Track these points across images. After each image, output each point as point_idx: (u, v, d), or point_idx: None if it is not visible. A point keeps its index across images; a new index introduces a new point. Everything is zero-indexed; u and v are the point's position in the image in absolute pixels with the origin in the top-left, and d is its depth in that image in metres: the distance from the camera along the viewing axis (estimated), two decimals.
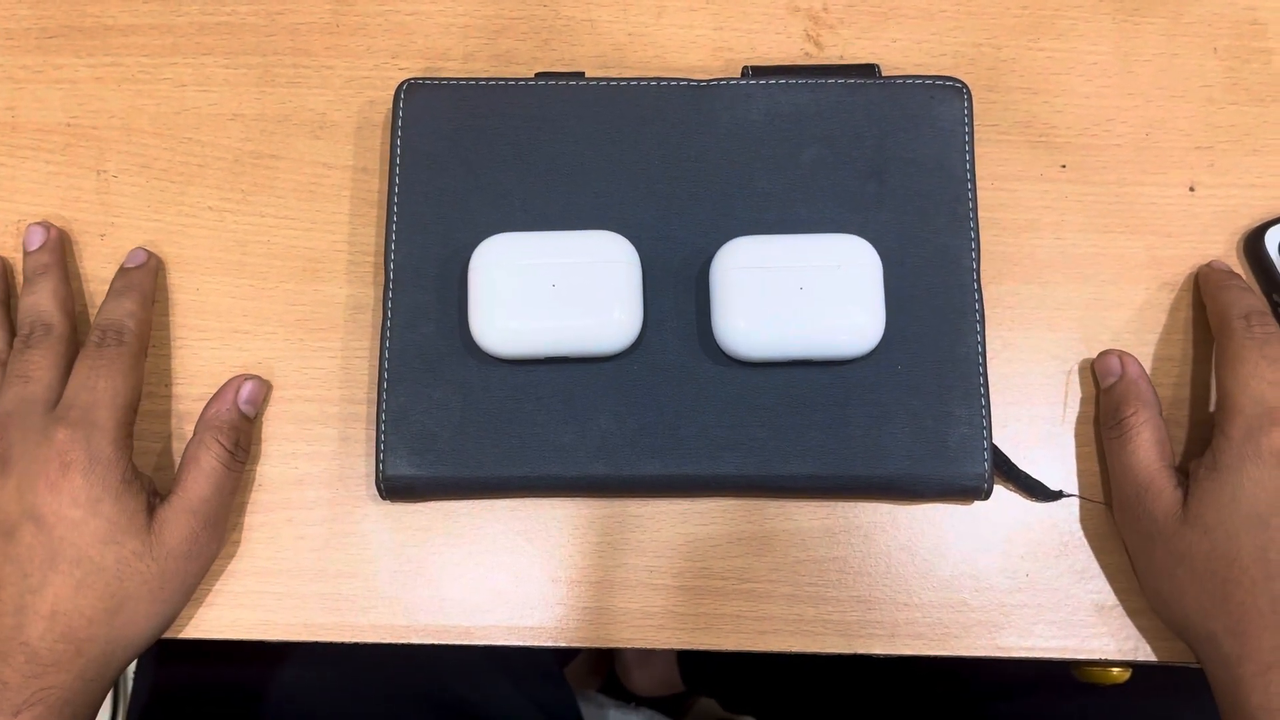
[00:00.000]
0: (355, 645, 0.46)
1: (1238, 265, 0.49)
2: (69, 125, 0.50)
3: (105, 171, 0.50)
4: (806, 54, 0.51)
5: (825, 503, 0.46)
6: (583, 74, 0.49)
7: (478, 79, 0.48)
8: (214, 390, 0.47)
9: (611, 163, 0.48)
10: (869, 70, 0.49)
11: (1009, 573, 0.46)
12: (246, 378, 0.47)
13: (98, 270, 0.49)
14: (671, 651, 1.07)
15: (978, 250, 0.47)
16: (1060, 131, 0.50)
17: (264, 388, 0.47)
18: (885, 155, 0.47)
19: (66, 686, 0.41)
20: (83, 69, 0.51)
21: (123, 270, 0.48)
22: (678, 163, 0.47)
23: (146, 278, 0.48)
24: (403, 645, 0.46)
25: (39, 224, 0.48)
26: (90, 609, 0.41)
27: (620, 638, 0.46)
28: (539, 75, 0.49)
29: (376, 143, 0.50)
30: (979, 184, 0.48)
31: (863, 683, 0.75)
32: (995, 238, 0.49)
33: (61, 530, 0.41)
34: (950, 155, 0.47)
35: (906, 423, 0.45)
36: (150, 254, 0.48)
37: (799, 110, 0.48)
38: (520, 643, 0.46)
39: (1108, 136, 0.50)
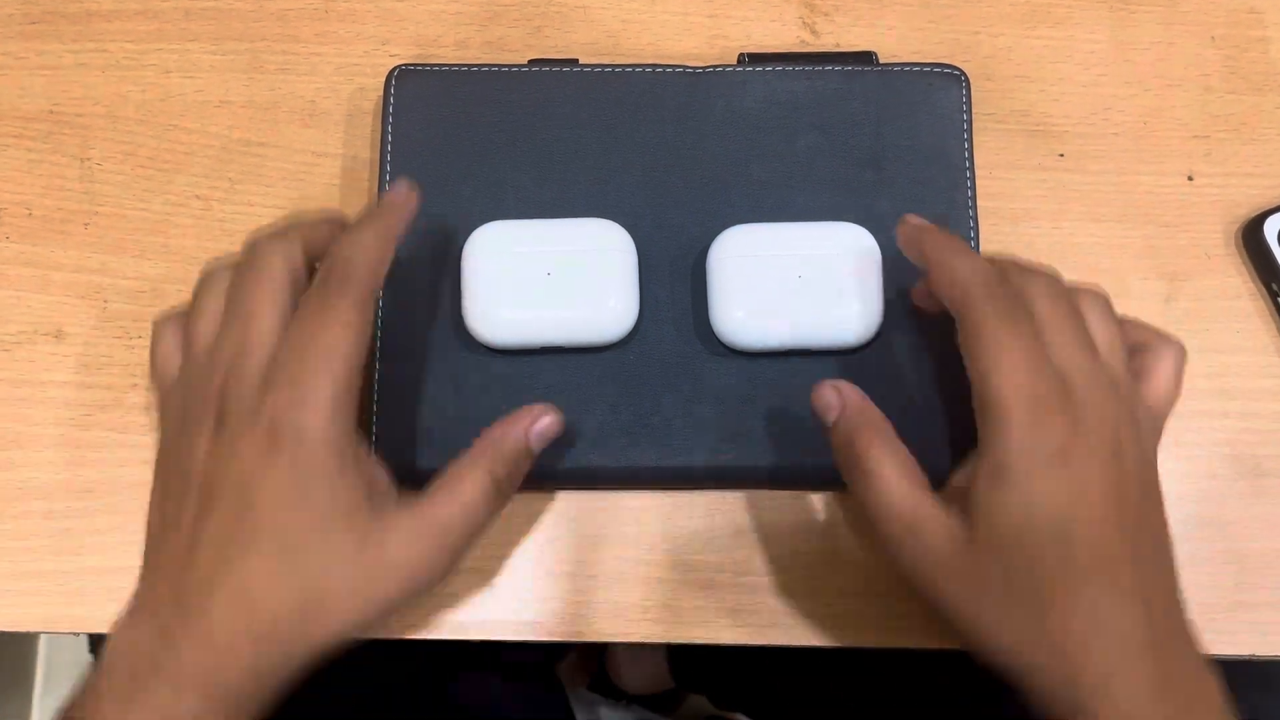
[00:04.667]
0: None
1: (1236, 255, 0.48)
2: (52, 112, 0.49)
3: (89, 160, 0.49)
4: (802, 41, 0.51)
5: (823, 494, 0.46)
6: (576, 61, 0.48)
7: (470, 65, 0.48)
8: None
9: (606, 150, 0.47)
10: (866, 58, 0.48)
11: None
12: (547, 411, 0.41)
13: (83, 261, 0.48)
14: (662, 648, 1.06)
15: (976, 239, 0.46)
16: (1058, 120, 0.50)
17: (560, 428, 0.42)
18: (883, 143, 0.47)
19: (235, 676, 0.36)
20: (66, 55, 0.50)
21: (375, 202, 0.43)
22: (673, 150, 0.47)
23: (393, 212, 0.41)
24: (395, 641, 0.45)
25: (403, 182, 0.42)
26: (279, 600, 0.37)
27: (616, 632, 0.45)
28: (532, 62, 0.48)
29: (367, 130, 0.49)
30: (976, 173, 0.48)
31: (854, 678, 0.75)
32: (993, 227, 0.48)
33: (264, 510, 0.37)
34: (948, 143, 0.47)
35: (905, 415, 0.44)
36: (412, 186, 0.42)
37: (795, 98, 0.47)
38: (516, 637, 0.45)
39: (1105, 125, 0.50)
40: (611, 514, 0.46)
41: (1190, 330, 0.48)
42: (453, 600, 0.45)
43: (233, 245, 0.48)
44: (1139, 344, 0.41)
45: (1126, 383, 0.40)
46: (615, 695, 1.10)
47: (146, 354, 0.47)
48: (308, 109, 0.50)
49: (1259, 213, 0.48)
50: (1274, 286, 0.47)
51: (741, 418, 0.45)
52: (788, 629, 0.45)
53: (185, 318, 0.42)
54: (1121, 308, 0.47)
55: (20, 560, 0.45)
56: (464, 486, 0.39)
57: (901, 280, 0.45)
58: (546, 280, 0.43)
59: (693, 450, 0.44)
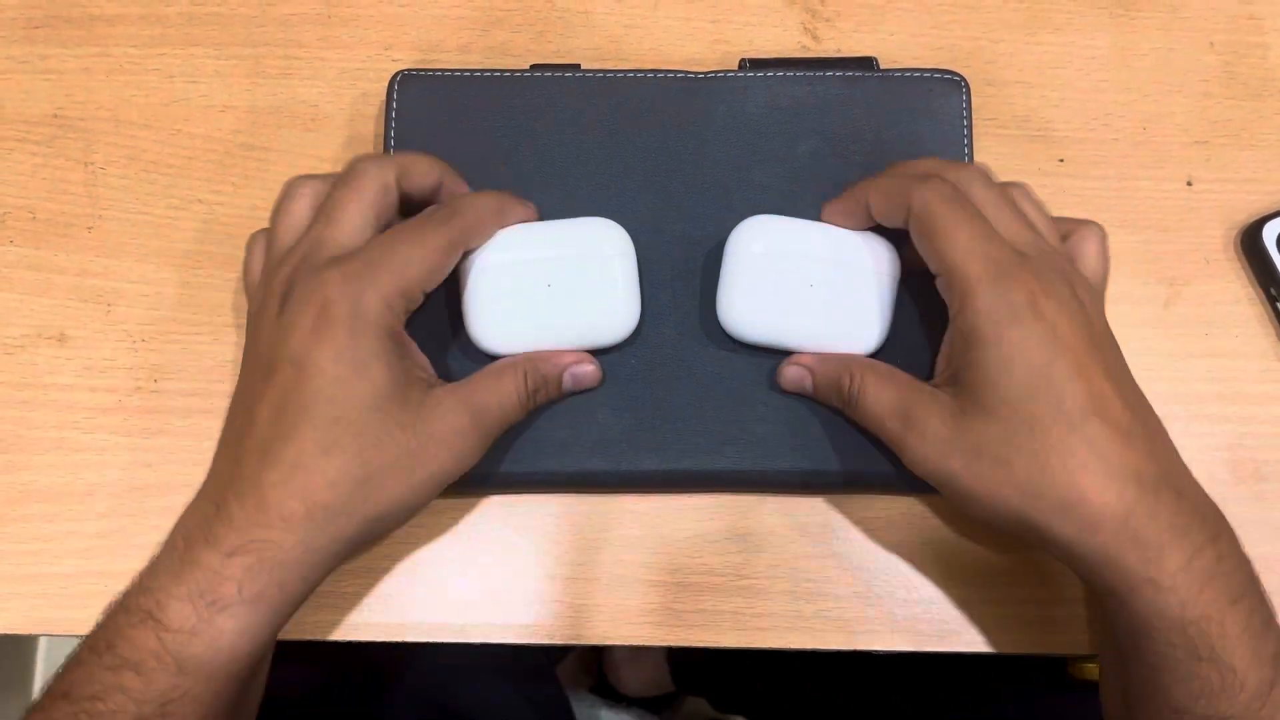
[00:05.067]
0: (348, 643, 0.45)
1: (1236, 260, 0.49)
2: (56, 116, 0.50)
3: (93, 163, 0.49)
4: (804, 47, 0.51)
5: (824, 498, 0.46)
6: (578, 66, 0.48)
7: (472, 70, 0.48)
8: (202, 387, 0.47)
9: (608, 155, 0.47)
10: (867, 63, 0.49)
11: (1012, 567, 0.46)
12: (590, 362, 0.44)
13: (86, 264, 0.48)
14: (661, 651, 1.07)
15: None
16: (1058, 126, 0.50)
17: (595, 381, 0.44)
18: (884, 148, 0.47)
19: (285, 546, 0.37)
20: (70, 59, 0.50)
21: None
22: (674, 155, 0.47)
23: (514, 201, 0.44)
24: (396, 643, 0.45)
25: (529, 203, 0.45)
26: (335, 473, 0.38)
27: (617, 635, 0.45)
28: (534, 67, 0.48)
29: (369, 135, 0.50)
30: None
31: (853, 681, 0.75)
32: None
33: (320, 383, 0.38)
34: (949, 149, 0.47)
35: None
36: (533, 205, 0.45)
37: (796, 103, 0.47)
38: (516, 640, 0.45)
39: (1105, 131, 0.50)
40: (612, 517, 0.46)
41: (1190, 335, 0.48)
42: (454, 603, 0.45)
43: (236, 248, 0.48)
44: (1064, 233, 0.43)
45: (1065, 255, 0.42)
46: (615, 698, 1.10)
47: (149, 358, 0.47)
48: (310, 113, 0.50)
49: (1258, 218, 0.48)
50: (1273, 291, 0.47)
51: (743, 422, 0.45)
52: (787, 632, 0.45)
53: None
54: (1121, 311, 0.48)
55: (22, 563, 0.45)
56: (503, 379, 0.42)
57: (901, 286, 0.45)
58: (548, 286, 0.43)
59: (695, 454, 0.44)
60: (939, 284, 0.41)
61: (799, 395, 0.45)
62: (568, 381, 0.44)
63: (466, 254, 0.43)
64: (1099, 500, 0.36)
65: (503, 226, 0.44)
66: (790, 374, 0.44)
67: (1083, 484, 0.36)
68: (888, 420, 0.41)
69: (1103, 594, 0.38)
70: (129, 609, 0.37)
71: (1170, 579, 0.35)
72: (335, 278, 0.39)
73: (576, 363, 0.44)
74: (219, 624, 0.36)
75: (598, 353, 0.45)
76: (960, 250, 0.39)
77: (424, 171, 0.43)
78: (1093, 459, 0.36)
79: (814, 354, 0.44)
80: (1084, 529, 0.36)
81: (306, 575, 0.38)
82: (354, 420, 0.38)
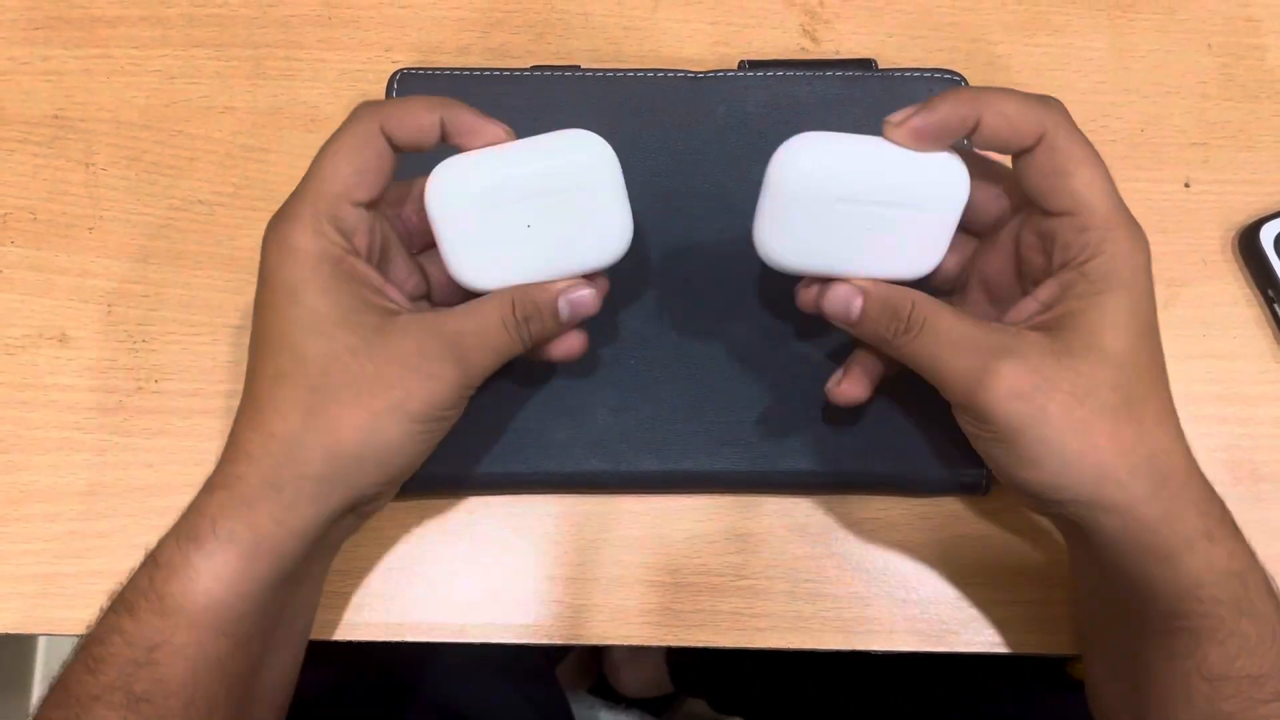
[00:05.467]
0: (346, 644, 0.46)
1: (1233, 261, 0.49)
2: (57, 117, 0.50)
3: (94, 164, 0.49)
4: (803, 49, 0.51)
5: (823, 498, 0.46)
6: (578, 67, 0.49)
7: (472, 69, 0.48)
8: (203, 387, 0.47)
9: None
10: (866, 65, 0.49)
11: (1010, 568, 0.46)
12: (586, 286, 0.40)
13: (87, 265, 0.48)
14: (661, 652, 1.07)
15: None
16: None
17: (595, 306, 0.40)
18: None
19: (250, 481, 0.37)
20: (71, 60, 0.50)
21: None
22: (674, 155, 0.47)
23: (466, 111, 0.40)
24: (395, 643, 0.46)
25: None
26: (283, 401, 0.37)
27: (616, 635, 0.45)
28: (534, 68, 0.49)
29: None
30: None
31: (853, 681, 0.75)
32: None
33: (265, 316, 0.38)
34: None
35: (906, 419, 0.45)
36: (510, 131, 0.40)
37: (797, 102, 0.48)
38: (515, 640, 0.45)
39: (1103, 133, 0.50)
40: (611, 518, 0.46)
41: (1188, 336, 0.48)
42: (454, 603, 0.45)
43: (236, 250, 0.48)
44: None
45: None
46: (614, 698, 1.11)
47: (149, 358, 0.47)
48: (310, 114, 0.50)
49: (1255, 219, 0.48)
50: (1270, 293, 0.48)
51: (741, 423, 0.45)
52: (787, 632, 0.45)
53: None
54: None
55: (22, 563, 0.45)
56: (483, 307, 0.39)
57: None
58: (529, 212, 0.39)
59: (694, 454, 0.45)
60: (1052, 223, 0.38)
61: (808, 397, 0.45)
62: (564, 309, 0.40)
63: (422, 200, 0.39)
64: (1173, 457, 0.37)
65: (445, 117, 0.39)
66: (839, 293, 0.39)
67: (1166, 439, 0.37)
68: (963, 353, 0.37)
69: (1140, 563, 0.37)
70: (144, 558, 0.38)
71: (1220, 530, 0.37)
72: (271, 221, 0.38)
73: (571, 289, 0.40)
74: (194, 562, 0.36)
75: (594, 357, 0.44)
76: (1100, 191, 0.37)
77: (417, 112, 0.39)
78: (1171, 417, 0.38)
79: (868, 280, 0.39)
80: (1159, 484, 0.36)
81: (277, 517, 0.37)
82: (295, 345, 0.37)
